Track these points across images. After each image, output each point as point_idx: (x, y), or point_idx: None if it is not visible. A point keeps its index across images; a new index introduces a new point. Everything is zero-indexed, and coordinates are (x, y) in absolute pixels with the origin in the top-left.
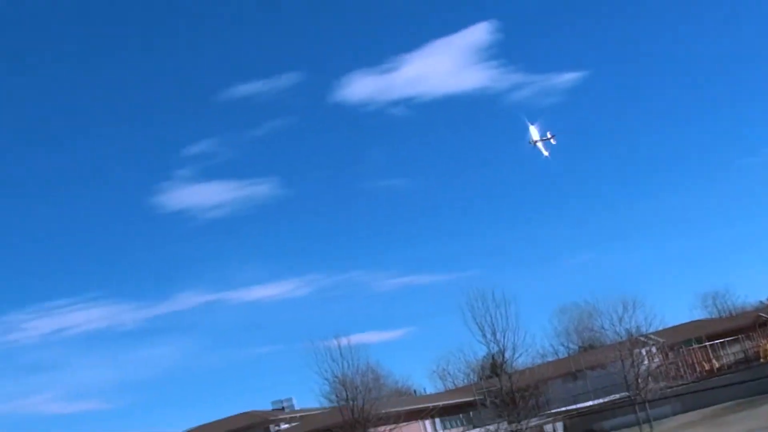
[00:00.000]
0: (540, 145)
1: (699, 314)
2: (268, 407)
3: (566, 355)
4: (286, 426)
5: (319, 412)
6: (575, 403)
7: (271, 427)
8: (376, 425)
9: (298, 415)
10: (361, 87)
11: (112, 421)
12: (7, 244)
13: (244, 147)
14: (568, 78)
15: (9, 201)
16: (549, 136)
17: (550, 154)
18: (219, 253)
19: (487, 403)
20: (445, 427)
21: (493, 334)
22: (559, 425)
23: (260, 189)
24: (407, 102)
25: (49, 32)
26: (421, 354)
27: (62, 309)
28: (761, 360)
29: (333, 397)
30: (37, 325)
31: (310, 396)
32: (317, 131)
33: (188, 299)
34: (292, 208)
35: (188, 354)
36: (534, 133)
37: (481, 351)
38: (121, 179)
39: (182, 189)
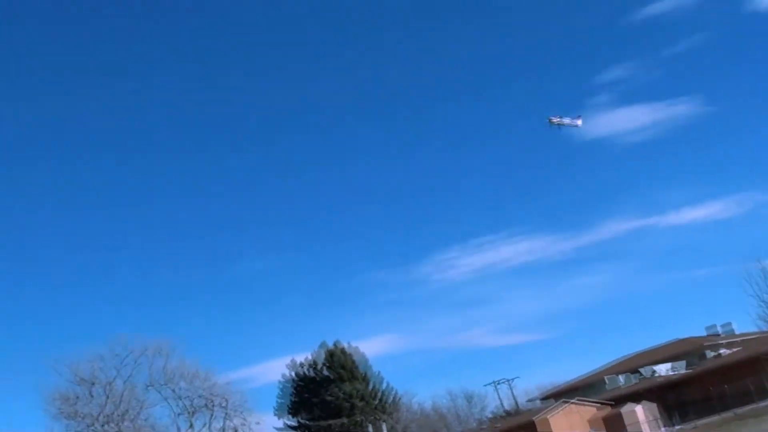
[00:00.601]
0: (563, 122)
1: None
2: (701, 332)
3: None
4: (726, 351)
5: (757, 336)
6: None
7: (707, 352)
8: None
9: (738, 339)
10: None
11: (546, 351)
12: (397, 191)
13: (661, 67)
14: None
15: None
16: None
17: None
18: (642, 178)
19: None
20: None
21: None
22: None
23: (681, 109)
24: None
25: None
26: None
27: (491, 245)
28: None
29: None
30: (469, 261)
31: (746, 319)
32: (736, 43)
33: (614, 227)
34: (718, 125)
35: (618, 281)
36: (552, 119)
37: None
38: (536, 113)
39: (599, 116)
